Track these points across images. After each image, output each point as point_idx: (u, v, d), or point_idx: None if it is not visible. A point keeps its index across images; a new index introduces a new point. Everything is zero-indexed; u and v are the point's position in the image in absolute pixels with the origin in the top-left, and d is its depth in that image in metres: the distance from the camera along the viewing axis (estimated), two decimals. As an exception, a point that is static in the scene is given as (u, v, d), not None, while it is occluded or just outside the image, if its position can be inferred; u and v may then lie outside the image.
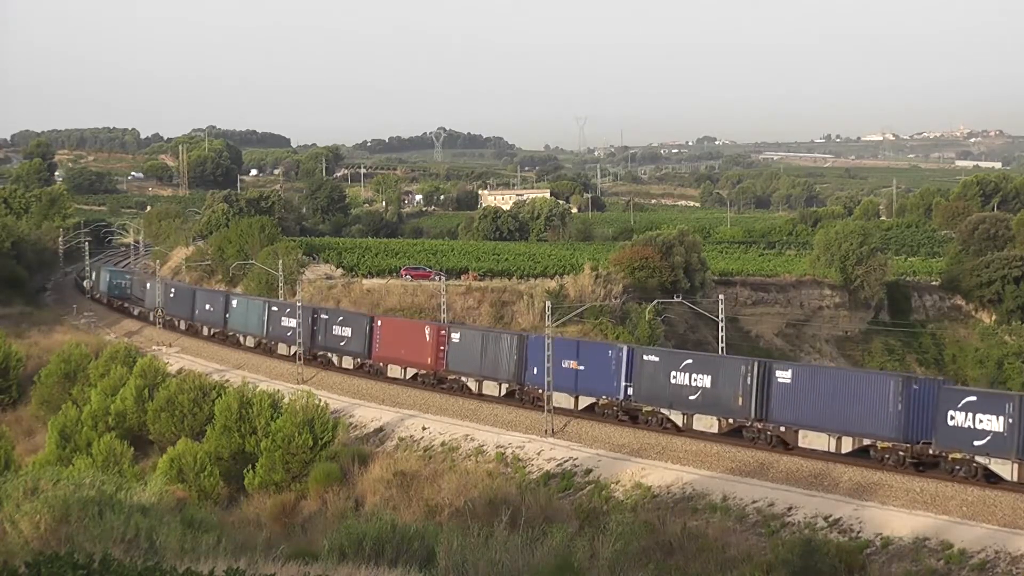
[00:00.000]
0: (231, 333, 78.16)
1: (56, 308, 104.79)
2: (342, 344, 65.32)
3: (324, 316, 68.14)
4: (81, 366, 64.24)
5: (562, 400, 50.32)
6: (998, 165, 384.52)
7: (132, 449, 46.88)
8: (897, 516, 35.48)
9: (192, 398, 53.90)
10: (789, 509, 37.46)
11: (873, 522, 35.26)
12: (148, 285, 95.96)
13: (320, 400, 48.47)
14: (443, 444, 50.64)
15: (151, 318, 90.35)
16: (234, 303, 78.97)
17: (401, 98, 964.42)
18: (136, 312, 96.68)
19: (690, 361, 47.11)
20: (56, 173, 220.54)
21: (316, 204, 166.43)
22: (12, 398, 67.14)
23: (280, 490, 44.24)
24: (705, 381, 45.41)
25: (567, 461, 46.01)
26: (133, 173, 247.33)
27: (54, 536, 23.75)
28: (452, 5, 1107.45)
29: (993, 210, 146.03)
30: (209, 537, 24.22)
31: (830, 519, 36.14)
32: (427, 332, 59.18)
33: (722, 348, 54.89)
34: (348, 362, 65.08)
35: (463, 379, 56.67)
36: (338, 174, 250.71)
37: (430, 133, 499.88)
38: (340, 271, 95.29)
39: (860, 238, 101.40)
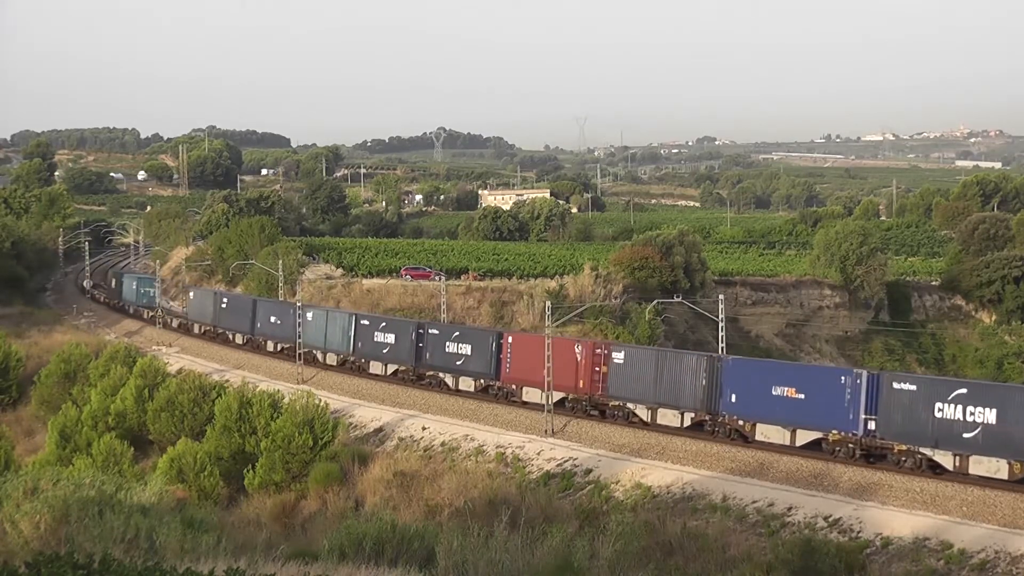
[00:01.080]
0: (306, 350, 67.04)
1: (56, 308, 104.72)
2: (459, 363, 56.75)
3: (434, 331, 59.72)
4: (81, 366, 64.24)
5: (772, 433, 43.47)
6: (998, 165, 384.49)
7: (132, 449, 46.83)
8: (897, 516, 35.47)
9: (192, 398, 53.89)
10: (789, 509, 37.45)
11: (873, 522, 35.26)
12: (192, 295, 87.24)
13: (320, 400, 48.45)
14: (443, 444, 50.63)
15: (197, 330, 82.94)
16: (310, 316, 68.65)
17: (401, 98, 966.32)
18: (176, 324, 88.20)
19: (964, 391, 38.63)
20: (56, 173, 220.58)
21: (316, 204, 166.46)
22: (12, 398, 67.12)
23: (280, 490, 44.23)
24: (989, 416, 37.41)
25: (567, 461, 46.00)
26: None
27: (54, 536, 23.75)
28: (452, 5, 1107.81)
29: (993, 210, 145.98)
30: (209, 537, 24.22)
31: (830, 519, 36.13)
32: (579, 351, 51.14)
33: (722, 348, 54.82)
34: (467, 384, 56.67)
35: (629, 406, 48.90)
36: (338, 174, 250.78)
37: (430, 133, 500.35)
38: (340, 271, 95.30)
39: (860, 238, 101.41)
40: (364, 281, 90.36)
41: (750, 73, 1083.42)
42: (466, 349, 56.75)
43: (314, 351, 67.39)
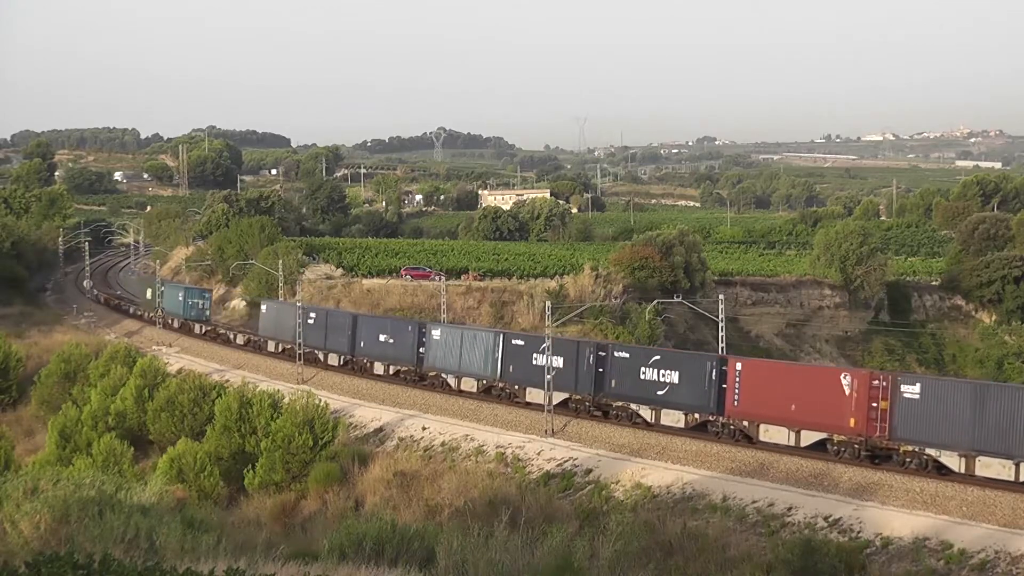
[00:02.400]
0: (431, 373, 59.00)
1: (56, 308, 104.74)
2: (660, 393, 47.25)
3: (622, 354, 49.88)
4: (81, 366, 64.27)
5: None
6: (998, 165, 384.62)
7: (132, 449, 46.83)
8: (897, 516, 35.47)
9: (192, 398, 53.91)
10: (789, 509, 37.45)
11: (873, 522, 35.26)
12: (265, 308, 76.30)
13: (320, 400, 48.45)
14: (443, 444, 50.62)
15: (274, 348, 72.95)
16: (436, 334, 58.89)
17: (401, 98, 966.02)
18: (242, 341, 78.06)
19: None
20: (56, 173, 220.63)
21: (316, 204, 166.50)
22: (12, 398, 67.16)
23: (280, 490, 44.24)
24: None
25: (567, 461, 46.00)
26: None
27: (54, 536, 23.74)
28: (452, 5, 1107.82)
29: (993, 210, 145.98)
30: (209, 537, 24.21)
31: (830, 519, 36.13)
32: (847, 383, 41.71)
33: (722, 348, 54.82)
34: (673, 418, 46.87)
35: (928, 452, 38.91)
36: (338, 174, 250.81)
37: (430, 133, 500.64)
38: (340, 271, 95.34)
39: (860, 238, 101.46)
40: (364, 281, 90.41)
41: (750, 73, 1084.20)
42: (671, 376, 47.24)
43: (443, 375, 57.86)
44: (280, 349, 71.83)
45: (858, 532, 34.92)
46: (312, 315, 68.87)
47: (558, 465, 45.85)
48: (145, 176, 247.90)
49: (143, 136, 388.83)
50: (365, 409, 58.00)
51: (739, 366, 45.79)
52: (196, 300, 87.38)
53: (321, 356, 67.47)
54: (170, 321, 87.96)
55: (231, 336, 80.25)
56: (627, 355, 49.69)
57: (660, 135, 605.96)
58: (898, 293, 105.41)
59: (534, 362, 52.51)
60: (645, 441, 46.37)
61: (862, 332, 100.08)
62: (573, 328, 66.94)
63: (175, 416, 53.27)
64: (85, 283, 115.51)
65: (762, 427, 43.49)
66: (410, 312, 79.75)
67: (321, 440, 45.90)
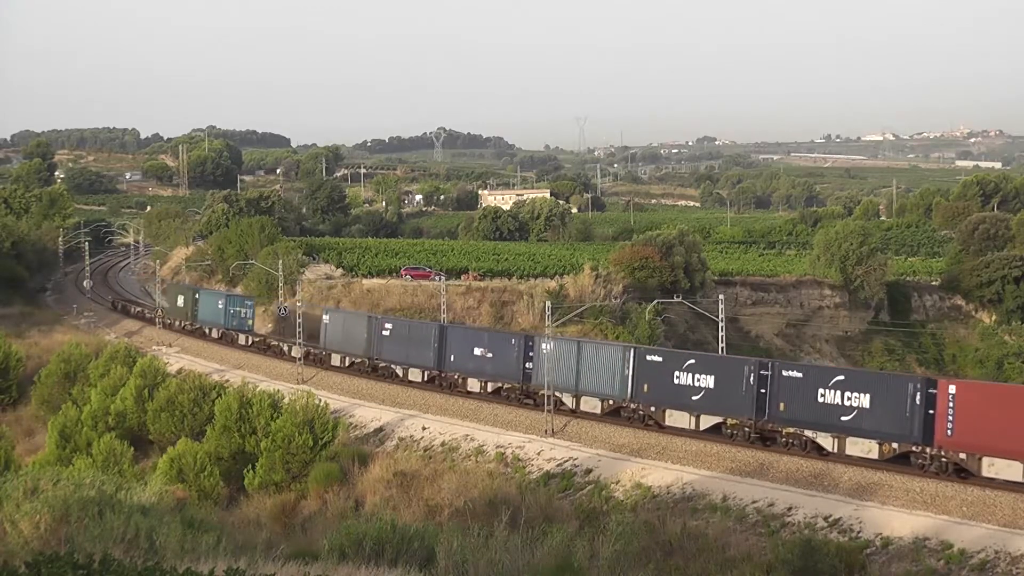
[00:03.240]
0: (539, 391, 51.59)
1: (56, 308, 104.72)
2: (845, 419, 41.55)
3: (792, 373, 44.48)
4: (81, 366, 64.24)
5: None
6: (998, 165, 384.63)
7: (132, 449, 46.84)
8: (897, 516, 35.48)
9: (192, 398, 53.91)
10: (789, 509, 37.46)
11: (873, 522, 35.27)
12: (328, 318, 69.33)
13: (320, 400, 48.45)
14: (443, 444, 50.63)
15: (339, 362, 66.20)
16: (546, 347, 51.73)
17: (401, 98, 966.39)
18: (298, 354, 66.60)
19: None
20: (56, 173, 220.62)
21: (316, 204, 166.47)
22: (12, 398, 67.16)
23: (280, 490, 44.24)
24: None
25: (567, 461, 46.00)
26: (129, 173, 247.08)
27: (54, 536, 23.73)
28: (452, 5, 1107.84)
29: (993, 210, 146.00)
30: (209, 537, 24.20)
31: (830, 519, 36.14)
32: None
33: (722, 348, 54.82)
34: (860, 447, 40.91)
35: None
36: (338, 174, 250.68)
37: (430, 133, 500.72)
38: (340, 271, 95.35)
39: (860, 238, 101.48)
40: (364, 281, 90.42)
41: (750, 73, 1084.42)
42: (860, 399, 41.53)
43: (559, 394, 51.02)
44: (348, 363, 65.57)
45: (858, 532, 34.93)
46: (388, 326, 63.66)
47: (558, 465, 45.85)
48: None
49: (143, 136, 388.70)
50: (365, 409, 58.01)
51: (953, 389, 39.54)
52: (238, 308, 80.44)
53: (400, 371, 61.26)
54: (207, 331, 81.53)
55: (286, 348, 71.08)
56: (799, 374, 44.29)
57: (660, 135, 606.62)
58: (898, 293, 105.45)
59: (676, 381, 47.17)
60: (645, 441, 46.37)
61: (862, 332, 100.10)
62: (573, 328, 66.95)
63: (175, 416, 53.26)
64: (85, 283, 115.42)
65: (985, 460, 37.80)
66: (410, 312, 79.75)
67: (321, 440, 45.90)
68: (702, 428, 45.63)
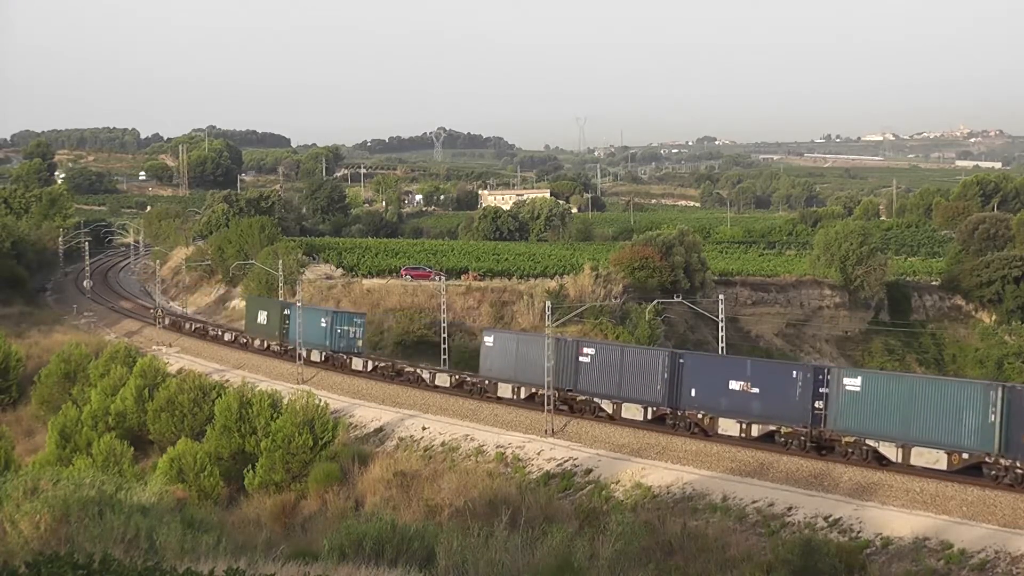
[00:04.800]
0: (847, 439, 41.14)
1: (56, 308, 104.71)
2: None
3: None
4: (81, 366, 64.26)
5: None
6: (998, 165, 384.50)
7: (132, 449, 46.86)
8: (897, 516, 35.47)
9: (192, 398, 53.94)
10: (789, 509, 37.45)
11: (873, 522, 35.26)
12: (491, 340, 57.93)
13: (320, 400, 48.46)
14: (443, 444, 50.63)
15: (511, 394, 54.84)
16: (848, 383, 41.70)
17: (401, 98, 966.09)
18: (447, 382, 59.34)
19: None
20: (56, 173, 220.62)
21: (316, 204, 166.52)
22: (12, 398, 67.17)
23: (280, 490, 44.25)
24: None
25: (567, 461, 46.00)
26: (142, 174, 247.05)
27: (54, 536, 23.73)
28: (452, 5, 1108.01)
29: (993, 210, 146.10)
30: (209, 537, 24.19)
31: (830, 519, 36.13)
32: None
33: (722, 348, 54.82)
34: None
35: None
36: (338, 174, 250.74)
37: (430, 133, 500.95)
38: (340, 271, 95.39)
39: (860, 238, 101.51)
40: (364, 281, 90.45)
41: (750, 73, 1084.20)
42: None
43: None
44: (522, 396, 54.12)
45: (858, 532, 34.92)
46: (589, 351, 51.82)
47: (558, 465, 45.85)
48: (143, 175, 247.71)
49: (143, 136, 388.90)
50: (365, 409, 58.00)
51: None
52: (346, 327, 68.25)
53: (608, 407, 49.88)
54: (305, 354, 67.34)
55: (429, 377, 60.55)
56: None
57: (660, 135, 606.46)
58: (898, 293, 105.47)
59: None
60: (645, 441, 46.36)
61: (862, 332, 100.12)
62: (573, 328, 66.94)
63: (175, 416, 53.29)
64: (85, 283, 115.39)
65: None
66: (410, 312, 79.74)
67: (321, 440, 45.91)
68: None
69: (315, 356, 68.24)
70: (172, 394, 54.17)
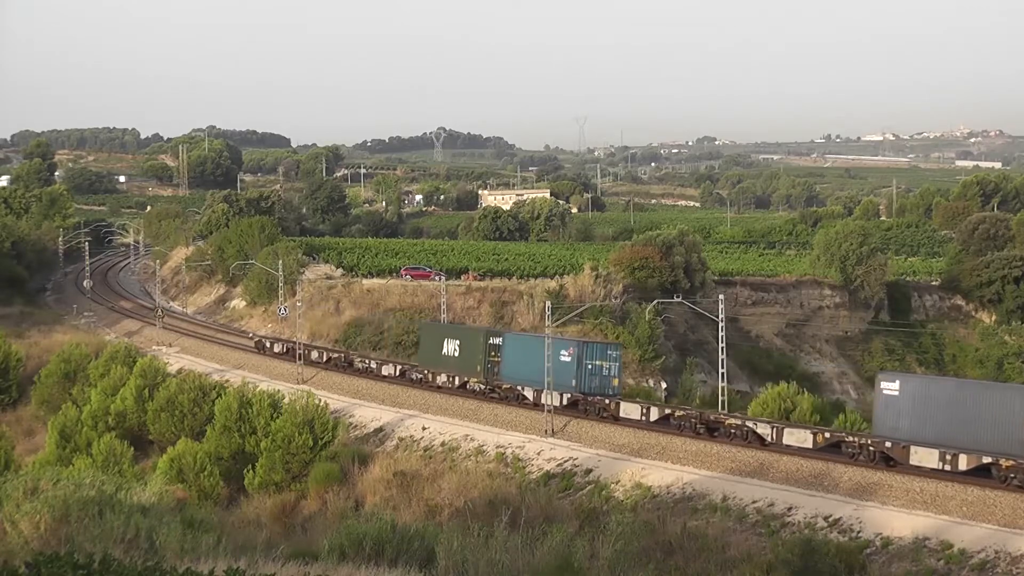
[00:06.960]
0: None
1: (56, 308, 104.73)
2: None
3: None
4: (81, 366, 64.27)
5: None
6: (998, 165, 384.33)
7: (132, 449, 46.87)
8: (897, 516, 35.48)
9: (192, 398, 53.93)
10: (789, 509, 37.46)
11: (873, 522, 35.26)
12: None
13: (320, 400, 48.46)
14: (443, 444, 50.64)
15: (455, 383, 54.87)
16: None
17: (401, 98, 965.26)
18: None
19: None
20: (56, 173, 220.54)
21: (316, 204, 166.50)
22: (12, 398, 67.18)
23: (280, 490, 44.26)
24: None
25: (567, 461, 46.00)
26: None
27: (54, 536, 23.73)
28: (452, 5, 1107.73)
29: (993, 210, 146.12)
30: (209, 537, 24.19)
31: (830, 519, 36.14)
32: None
33: (722, 348, 54.82)
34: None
35: None
36: (338, 174, 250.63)
37: (430, 133, 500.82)
38: (340, 271, 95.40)
39: (860, 238, 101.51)
40: (364, 281, 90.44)
41: (750, 73, 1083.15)
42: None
43: None
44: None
45: (858, 532, 34.93)
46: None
47: (558, 465, 45.85)
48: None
49: (143, 136, 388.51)
50: (365, 409, 58.01)
51: None
52: (599, 362, 52.72)
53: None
54: (522, 395, 54.50)
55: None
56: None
57: (660, 135, 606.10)
58: (898, 293, 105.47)
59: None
60: (645, 441, 46.37)
61: (862, 332, 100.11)
62: (573, 328, 66.94)
63: (175, 416, 53.28)
64: (85, 283, 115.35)
65: None
66: (410, 312, 79.72)
67: (321, 440, 45.91)
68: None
69: (548, 399, 50.68)
70: (172, 394, 54.17)
